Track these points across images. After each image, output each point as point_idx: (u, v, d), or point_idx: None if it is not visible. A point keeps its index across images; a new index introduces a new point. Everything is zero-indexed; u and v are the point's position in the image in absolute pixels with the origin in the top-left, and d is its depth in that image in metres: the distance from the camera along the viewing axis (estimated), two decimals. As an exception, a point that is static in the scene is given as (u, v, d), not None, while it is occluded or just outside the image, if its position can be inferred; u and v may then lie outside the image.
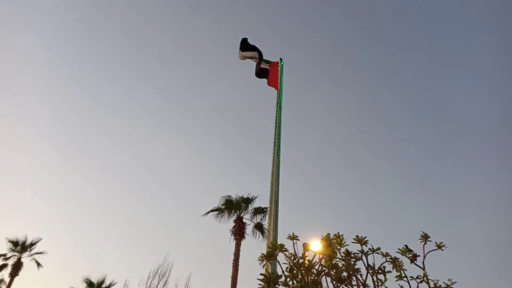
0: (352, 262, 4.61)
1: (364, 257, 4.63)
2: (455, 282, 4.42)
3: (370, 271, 4.57)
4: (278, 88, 10.39)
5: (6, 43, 55.54)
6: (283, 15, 63.68)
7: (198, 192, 52.79)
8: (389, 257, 4.67)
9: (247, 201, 23.37)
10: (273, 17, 64.50)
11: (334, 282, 4.46)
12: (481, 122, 55.21)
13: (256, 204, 23.43)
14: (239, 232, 22.34)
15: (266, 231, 20.87)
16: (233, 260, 21.44)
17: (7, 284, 29.42)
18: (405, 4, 58.65)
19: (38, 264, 30.99)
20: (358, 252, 4.67)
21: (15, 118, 56.47)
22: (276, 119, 9.60)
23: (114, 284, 28.58)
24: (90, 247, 46.76)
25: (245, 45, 11.29)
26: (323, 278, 4.51)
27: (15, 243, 30.69)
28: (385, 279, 4.53)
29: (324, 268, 4.54)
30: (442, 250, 4.63)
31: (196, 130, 64.14)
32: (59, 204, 53.71)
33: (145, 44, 63.35)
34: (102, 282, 28.22)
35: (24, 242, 30.97)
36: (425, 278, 4.49)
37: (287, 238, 4.79)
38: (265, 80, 11.00)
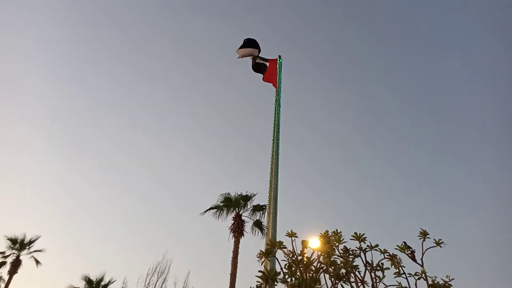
0: (351, 259, 4.61)
1: (362, 254, 4.64)
2: (453, 279, 4.43)
3: (368, 268, 4.57)
4: (277, 85, 10.37)
5: (6, 43, 55.43)
6: (283, 15, 63.68)
7: (197, 191, 52.88)
8: (388, 254, 4.67)
9: (246, 198, 23.33)
10: (273, 17, 64.48)
11: (332, 279, 4.46)
12: (481, 122, 55.32)
13: (255, 202, 23.45)
14: (238, 229, 22.33)
15: (265, 229, 20.89)
16: (232, 257, 21.44)
17: (6, 281, 29.45)
18: (405, 4, 58.67)
19: (37, 262, 31.05)
20: (356, 249, 4.68)
21: (15, 118, 56.48)
22: (275, 117, 9.58)
23: (113, 282, 28.58)
24: (90, 247, 46.82)
25: (246, 44, 11.26)
26: (322, 275, 4.51)
27: (13, 241, 30.69)
28: (383, 276, 4.54)
29: (322, 265, 4.54)
30: (441, 247, 4.64)
31: (196, 130, 64.18)
32: (59, 204, 53.79)
33: (145, 44, 63.38)
34: (101, 280, 28.20)
35: (22, 240, 30.98)
36: (423, 275, 4.49)
37: (286, 235, 4.79)
38: (261, 75, 10.98)
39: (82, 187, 55.93)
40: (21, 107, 57.71)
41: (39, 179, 55.90)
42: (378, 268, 4.57)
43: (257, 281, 4.20)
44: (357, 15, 62.93)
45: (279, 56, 11.08)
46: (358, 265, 4.59)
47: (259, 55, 11.19)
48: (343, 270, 4.56)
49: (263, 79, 10.89)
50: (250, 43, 11.24)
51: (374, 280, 4.50)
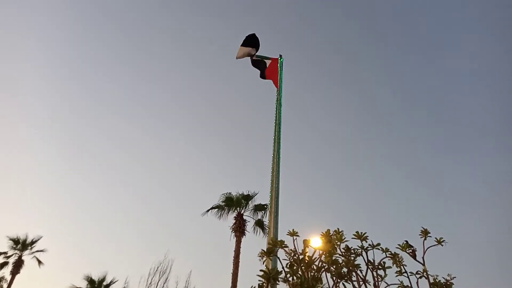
0: (352, 258, 4.62)
1: (364, 253, 4.64)
2: (454, 277, 4.43)
3: (370, 266, 4.58)
4: (278, 85, 10.36)
5: (6, 43, 55.52)
6: (283, 15, 63.66)
7: (198, 191, 52.87)
8: (389, 252, 4.68)
9: (247, 198, 23.32)
10: (273, 17, 64.44)
11: (334, 278, 4.47)
12: (481, 122, 55.21)
13: (256, 201, 23.45)
14: (239, 229, 22.32)
15: (266, 228, 20.89)
16: (233, 257, 21.44)
17: (8, 282, 29.51)
18: (405, 4, 58.57)
19: (39, 262, 31.10)
20: (358, 248, 4.68)
21: (15, 118, 56.54)
22: (276, 116, 9.58)
23: (115, 281, 28.60)
24: (91, 247, 46.89)
25: (246, 41, 11.23)
26: (323, 274, 4.52)
27: (16, 241, 30.74)
28: (385, 275, 4.55)
29: (324, 264, 4.55)
30: (442, 245, 4.65)
31: (196, 130, 64.17)
32: (59, 204, 53.82)
33: (145, 44, 63.38)
34: (103, 279, 28.22)
35: (25, 240, 31.02)
36: (424, 273, 4.50)
37: (287, 234, 4.79)
38: (259, 71, 10.95)
39: (82, 187, 56.03)
40: (21, 107, 57.84)
41: (39, 179, 56.02)
42: (379, 267, 4.58)
43: (259, 280, 4.21)
44: (357, 15, 62.93)
45: (280, 56, 11.08)
46: (359, 264, 4.60)
47: (257, 54, 11.16)
48: (345, 269, 4.56)
49: (265, 77, 10.87)
50: (250, 41, 11.21)
51: (375, 279, 4.50)
